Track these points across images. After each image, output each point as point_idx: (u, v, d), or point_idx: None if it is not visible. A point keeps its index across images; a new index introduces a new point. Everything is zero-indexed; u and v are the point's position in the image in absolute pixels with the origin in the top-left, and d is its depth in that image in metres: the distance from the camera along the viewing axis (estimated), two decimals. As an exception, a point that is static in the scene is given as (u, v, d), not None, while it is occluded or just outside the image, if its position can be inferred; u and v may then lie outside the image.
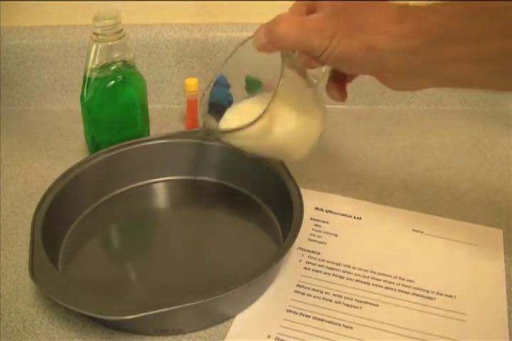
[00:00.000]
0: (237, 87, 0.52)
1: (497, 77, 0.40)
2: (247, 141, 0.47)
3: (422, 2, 0.41)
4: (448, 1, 0.39)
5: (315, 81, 0.49)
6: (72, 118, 0.71)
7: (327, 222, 0.57)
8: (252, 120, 0.44)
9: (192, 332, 0.46)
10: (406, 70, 0.42)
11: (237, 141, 0.48)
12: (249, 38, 0.46)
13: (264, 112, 0.43)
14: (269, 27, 0.43)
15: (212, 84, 0.51)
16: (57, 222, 0.52)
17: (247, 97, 0.51)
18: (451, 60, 0.40)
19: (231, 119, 0.49)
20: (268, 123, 0.45)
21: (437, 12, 0.39)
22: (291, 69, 0.45)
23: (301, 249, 0.53)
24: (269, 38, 0.43)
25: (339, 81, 0.48)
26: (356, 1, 0.42)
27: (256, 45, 0.44)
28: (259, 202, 0.58)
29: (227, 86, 0.52)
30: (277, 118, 0.45)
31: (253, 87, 0.51)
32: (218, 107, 0.52)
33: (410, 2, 0.42)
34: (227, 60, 0.50)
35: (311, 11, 0.45)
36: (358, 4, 0.42)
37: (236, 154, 0.52)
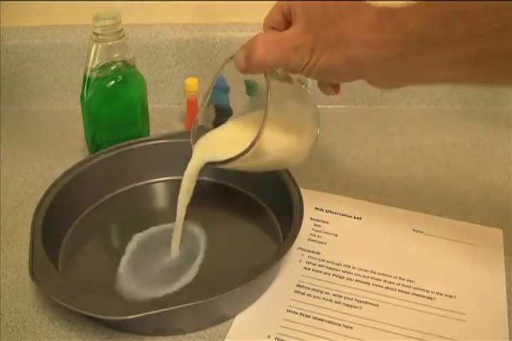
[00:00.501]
0: (236, 90, 0.52)
1: (485, 76, 0.39)
2: (242, 164, 0.47)
3: (400, 2, 0.38)
4: (427, 1, 0.37)
5: (303, 85, 0.49)
6: (72, 118, 0.71)
7: (327, 222, 0.57)
8: (243, 149, 0.43)
9: (192, 332, 0.46)
10: (390, 76, 0.41)
11: (232, 166, 0.48)
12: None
13: (256, 138, 0.43)
14: (247, 52, 0.42)
15: (208, 98, 0.51)
16: (57, 222, 0.52)
17: (246, 99, 0.51)
18: (435, 63, 0.38)
19: (223, 147, 0.49)
20: (260, 145, 0.44)
21: (417, 13, 0.37)
22: (277, 80, 0.45)
23: (301, 249, 0.53)
24: (248, 64, 0.43)
25: None
26: (330, 1, 0.41)
27: (237, 68, 0.44)
28: (259, 202, 0.58)
29: (226, 89, 0.52)
30: (269, 139, 0.45)
31: (252, 90, 0.51)
32: (219, 110, 0.52)
33: (390, 2, 0.40)
34: (225, 63, 0.49)
35: (287, 16, 0.44)
36: (333, 14, 0.41)
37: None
